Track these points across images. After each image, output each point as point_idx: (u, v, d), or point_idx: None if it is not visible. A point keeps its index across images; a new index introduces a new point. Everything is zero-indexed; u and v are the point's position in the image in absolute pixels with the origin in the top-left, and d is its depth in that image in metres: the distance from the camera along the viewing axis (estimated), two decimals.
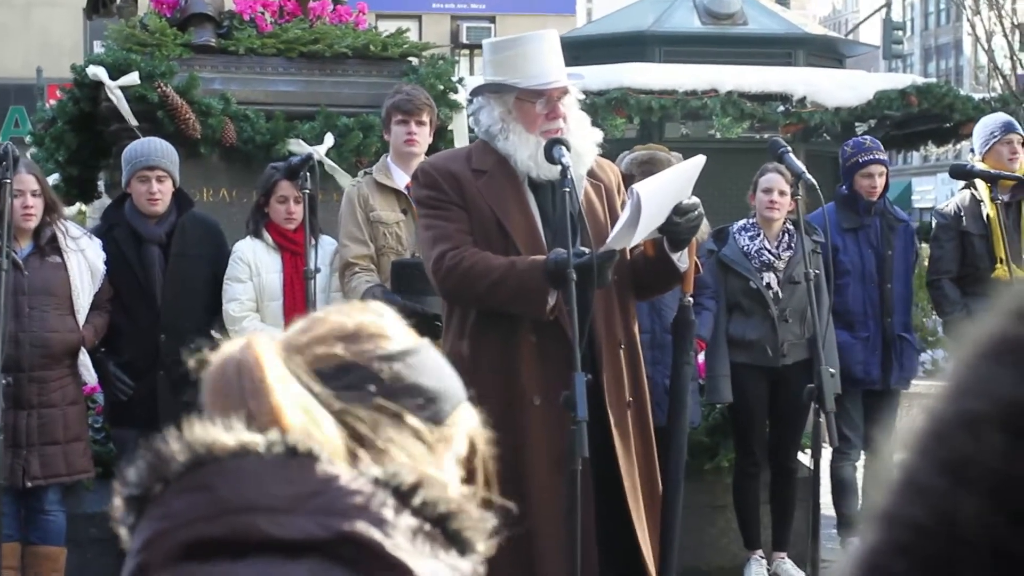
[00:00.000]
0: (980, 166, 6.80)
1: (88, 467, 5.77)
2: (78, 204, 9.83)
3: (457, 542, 1.27)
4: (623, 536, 4.29)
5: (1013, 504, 0.82)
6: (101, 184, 8.30)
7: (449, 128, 7.42)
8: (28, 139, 8.25)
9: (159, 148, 5.96)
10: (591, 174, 4.46)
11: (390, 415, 1.35)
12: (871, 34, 46.10)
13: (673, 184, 4.23)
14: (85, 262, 5.76)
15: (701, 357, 6.55)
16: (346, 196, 6.07)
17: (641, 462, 4.39)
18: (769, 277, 6.45)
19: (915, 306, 7.29)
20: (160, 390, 5.78)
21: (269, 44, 7.46)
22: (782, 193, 6.36)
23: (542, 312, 4.16)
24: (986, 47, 36.76)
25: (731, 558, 6.77)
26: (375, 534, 1.20)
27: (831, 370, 4.99)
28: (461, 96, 7.49)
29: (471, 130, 7.40)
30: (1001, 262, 6.62)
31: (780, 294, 6.44)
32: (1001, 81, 34.18)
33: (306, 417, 1.30)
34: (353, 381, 1.34)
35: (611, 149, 5.20)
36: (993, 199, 6.59)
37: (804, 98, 12.45)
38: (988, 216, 6.67)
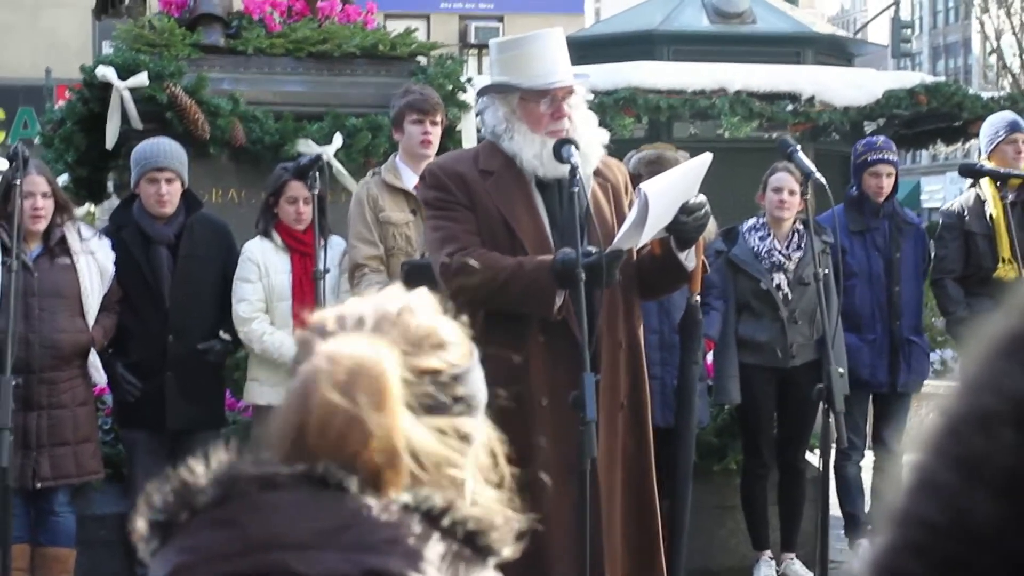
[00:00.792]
0: (989, 165, 6.79)
1: (98, 468, 5.77)
2: (87, 205, 9.84)
3: (485, 553, 1.27)
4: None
5: None
6: (110, 185, 8.31)
7: (457, 128, 7.42)
8: (37, 140, 8.26)
9: (168, 149, 5.96)
10: (598, 173, 4.45)
11: (456, 431, 1.35)
12: (880, 33, 46.06)
13: (680, 183, 4.22)
14: (94, 263, 5.76)
15: (709, 357, 6.54)
16: (355, 197, 6.07)
17: (632, 467, 4.35)
18: (779, 278, 6.44)
19: (924, 306, 7.27)
20: (168, 391, 5.78)
21: (278, 44, 7.47)
22: (792, 192, 6.35)
23: (550, 312, 4.16)
24: (995, 46, 36.75)
25: (740, 559, 6.77)
26: (405, 570, 1.19)
27: (840, 370, 4.97)
28: (469, 96, 7.49)
29: (479, 130, 7.42)
30: (1004, 261, 6.61)
31: (790, 295, 6.43)
32: (1010, 80, 34.15)
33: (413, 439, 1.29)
34: (438, 396, 1.34)
35: (619, 148, 5.18)
36: (1001, 198, 6.57)
37: (813, 97, 12.43)
38: (992, 216, 6.67)
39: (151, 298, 5.89)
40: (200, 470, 1.26)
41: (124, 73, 6.98)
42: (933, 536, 0.85)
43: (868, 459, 6.94)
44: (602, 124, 4.57)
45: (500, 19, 31.92)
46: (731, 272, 6.48)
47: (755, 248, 6.48)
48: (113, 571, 5.86)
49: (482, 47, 30.70)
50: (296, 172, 5.72)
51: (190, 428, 5.78)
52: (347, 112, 7.32)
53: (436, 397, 1.34)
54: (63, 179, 7.29)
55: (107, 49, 10.32)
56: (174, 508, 1.27)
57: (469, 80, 7.77)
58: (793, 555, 6.66)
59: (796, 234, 6.49)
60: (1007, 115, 7.18)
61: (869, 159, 6.70)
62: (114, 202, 8.05)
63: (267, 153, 7.16)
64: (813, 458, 6.69)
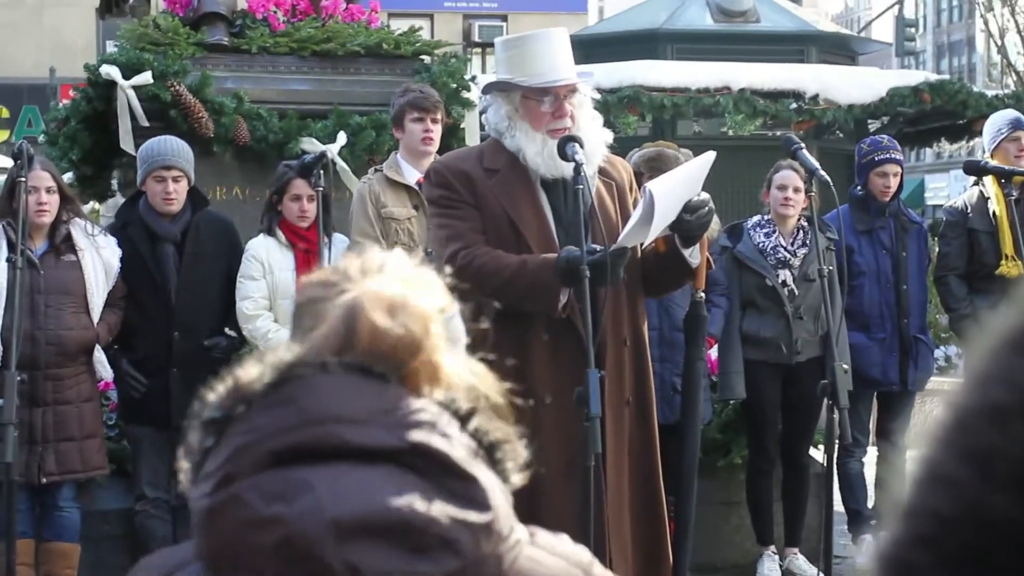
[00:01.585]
0: (993, 163, 6.79)
1: (103, 464, 5.79)
2: (92, 203, 9.86)
3: (499, 471, 1.38)
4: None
5: None
6: (114, 183, 8.32)
7: (461, 126, 7.43)
8: (41, 138, 8.27)
9: (175, 147, 5.97)
10: (603, 172, 4.45)
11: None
12: (883, 31, 46.01)
13: (685, 181, 4.23)
14: (100, 260, 5.77)
15: (712, 354, 6.55)
16: (357, 193, 6.08)
17: (638, 461, 4.36)
18: (784, 274, 6.45)
19: (928, 303, 7.28)
20: (173, 387, 5.79)
21: (282, 43, 7.48)
22: (796, 190, 6.36)
23: (554, 310, 4.17)
24: (999, 44, 36.70)
25: (744, 554, 6.78)
26: (444, 446, 1.31)
27: (844, 366, 4.98)
28: (473, 94, 7.50)
29: (482, 127, 7.43)
30: (1007, 258, 6.61)
31: (796, 291, 6.43)
32: (1014, 77, 34.11)
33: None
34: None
35: (623, 147, 5.19)
36: (1005, 195, 6.58)
37: (817, 95, 12.43)
38: (995, 213, 6.67)
39: (157, 295, 5.90)
40: (252, 369, 1.37)
41: (128, 72, 6.98)
42: (943, 528, 0.85)
43: (871, 455, 6.95)
44: (606, 123, 4.58)
45: (504, 18, 31.91)
46: (736, 268, 6.49)
47: (760, 245, 6.49)
48: (118, 566, 5.87)
49: (486, 46, 30.69)
50: (300, 170, 5.73)
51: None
52: (351, 110, 7.33)
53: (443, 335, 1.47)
54: (67, 177, 7.29)
55: (111, 48, 10.32)
56: (230, 403, 1.36)
57: (473, 79, 7.78)
58: (797, 550, 6.67)
59: (801, 231, 6.50)
60: (1009, 113, 7.18)
61: (876, 159, 6.70)
62: (118, 200, 8.06)
63: (271, 151, 7.17)
64: (817, 454, 6.70)
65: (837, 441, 5.21)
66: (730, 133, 12.42)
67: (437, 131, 5.99)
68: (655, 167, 6.05)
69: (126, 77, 6.96)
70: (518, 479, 1.41)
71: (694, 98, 12.10)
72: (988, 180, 6.74)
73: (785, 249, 6.47)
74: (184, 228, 5.96)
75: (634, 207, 4.42)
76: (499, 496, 1.34)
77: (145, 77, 6.95)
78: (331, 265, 1.50)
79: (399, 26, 8.24)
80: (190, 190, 5.99)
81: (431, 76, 7.32)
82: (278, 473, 1.30)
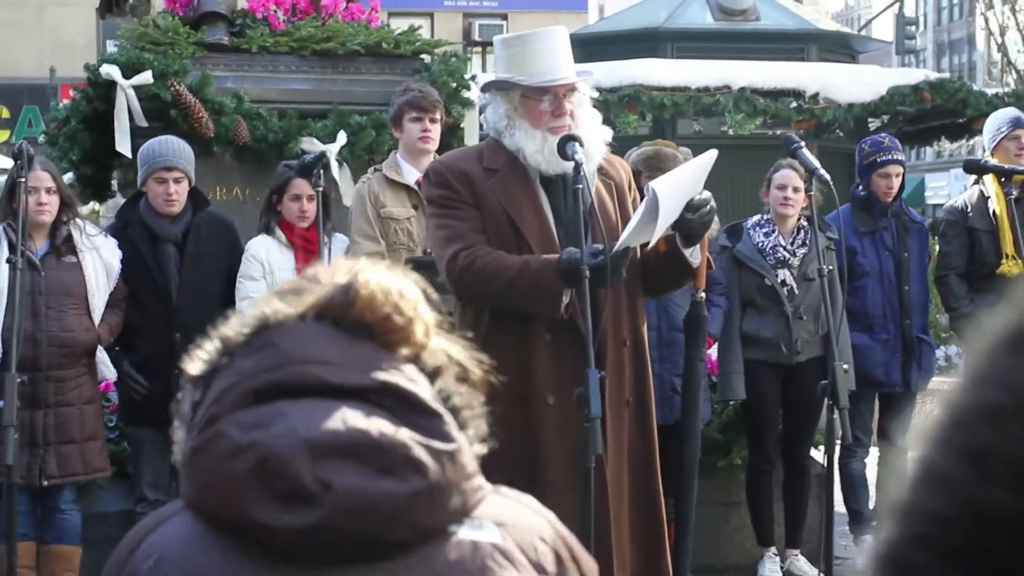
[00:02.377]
0: (993, 161, 6.78)
1: (104, 466, 5.78)
2: (92, 203, 9.86)
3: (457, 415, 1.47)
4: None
5: None
6: (115, 183, 8.31)
7: (461, 125, 7.42)
8: (42, 139, 8.27)
9: (176, 148, 5.97)
10: (602, 171, 4.45)
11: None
12: (884, 30, 46.03)
13: (686, 180, 4.22)
14: (100, 261, 5.77)
15: (712, 354, 6.54)
16: (356, 193, 6.08)
17: (637, 462, 4.36)
18: (784, 274, 6.45)
19: (928, 303, 7.27)
20: (175, 388, 5.77)
21: (282, 42, 7.48)
22: (796, 189, 6.35)
23: (556, 311, 4.16)
24: (999, 42, 36.71)
25: (745, 555, 6.77)
26: (412, 387, 1.42)
27: (844, 366, 4.97)
28: (473, 93, 7.49)
29: (481, 127, 7.43)
30: (1007, 258, 6.61)
31: (795, 290, 6.43)
32: (1015, 76, 34.11)
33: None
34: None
35: (623, 146, 5.19)
36: (1005, 194, 6.57)
37: (817, 94, 12.42)
38: (995, 212, 6.66)
39: (158, 296, 5.90)
40: (234, 323, 1.49)
41: (128, 71, 6.98)
42: (940, 526, 0.85)
43: (873, 455, 6.95)
44: (606, 121, 4.57)
45: (504, 17, 31.91)
46: (736, 268, 6.49)
47: (760, 244, 6.48)
48: None
49: (486, 45, 30.69)
50: (300, 169, 5.73)
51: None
52: (351, 110, 7.33)
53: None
54: (68, 177, 7.29)
55: (111, 48, 10.32)
56: (216, 357, 1.49)
57: (473, 78, 7.77)
58: (798, 551, 6.66)
59: (801, 230, 6.49)
60: (1010, 112, 7.17)
61: (878, 160, 6.68)
62: (119, 200, 8.05)
63: (271, 151, 7.16)
64: (818, 455, 6.69)
65: (838, 441, 5.20)
66: (730, 132, 12.42)
67: (436, 131, 5.99)
68: (653, 166, 6.05)
69: (126, 77, 6.96)
70: (480, 448, 1.48)
71: (694, 97, 12.09)
72: (988, 179, 6.73)
73: (785, 248, 6.47)
74: (185, 228, 5.96)
75: (633, 206, 4.41)
76: (463, 436, 1.43)
77: (145, 77, 6.94)
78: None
79: (399, 25, 8.23)
80: (191, 190, 6.00)
81: (431, 75, 7.32)
82: (257, 408, 1.40)
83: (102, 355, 5.81)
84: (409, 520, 1.39)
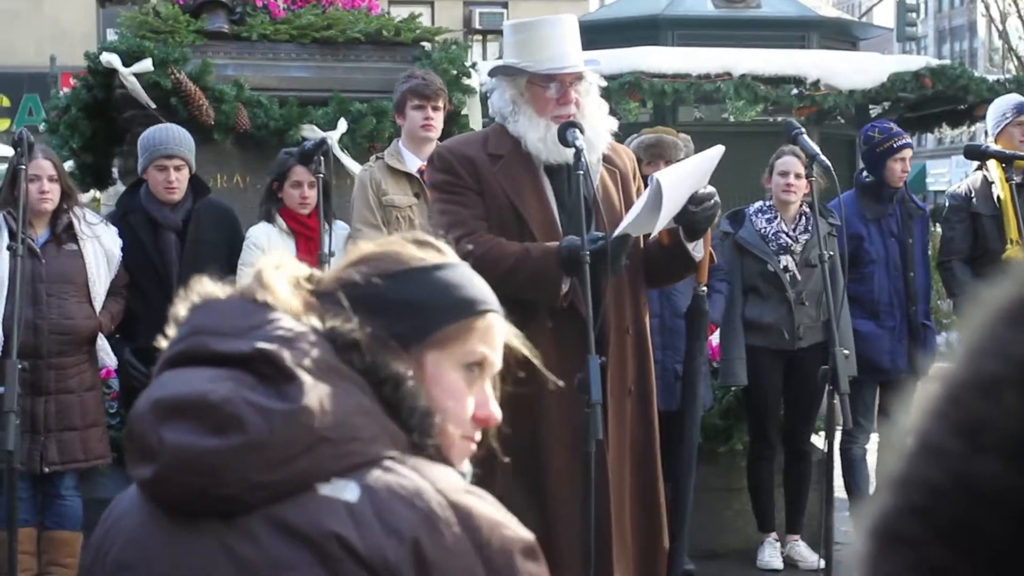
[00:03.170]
0: (994, 147, 6.77)
1: (105, 452, 5.80)
2: (92, 191, 9.85)
3: (399, 412, 1.56)
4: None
5: None
6: (115, 171, 8.31)
7: (463, 113, 7.41)
8: (42, 127, 8.26)
9: (177, 136, 5.97)
10: (607, 159, 4.44)
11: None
12: (885, 16, 45.95)
13: (692, 174, 4.22)
14: (101, 249, 5.78)
15: (714, 339, 6.55)
16: (358, 180, 6.07)
17: (639, 449, 4.37)
18: (786, 260, 6.44)
19: (931, 289, 7.27)
20: None
21: (282, 30, 7.46)
22: (798, 176, 6.35)
23: (556, 299, 4.16)
24: (1000, 28, 36.65)
25: (745, 540, 6.78)
26: (282, 353, 1.51)
27: (845, 352, 4.98)
28: (474, 81, 7.48)
29: (484, 115, 7.41)
30: (1012, 243, 6.59)
31: (798, 276, 6.43)
32: (1016, 62, 34.05)
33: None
34: (333, 295, 1.64)
35: (624, 133, 5.18)
36: (1007, 180, 6.56)
37: (818, 81, 12.39)
38: (999, 197, 6.65)
39: (159, 283, 5.90)
40: (181, 303, 1.66)
41: (129, 60, 6.97)
42: (936, 498, 0.85)
43: (874, 441, 6.95)
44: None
45: (504, 5, 31.85)
46: (738, 254, 6.49)
47: (762, 230, 6.48)
48: None
49: (487, 33, 30.66)
50: (300, 156, 5.72)
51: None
52: (351, 97, 7.32)
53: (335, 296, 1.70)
54: (68, 165, 7.29)
55: (112, 36, 10.30)
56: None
57: (474, 65, 7.76)
58: (798, 537, 6.68)
59: (803, 217, 6.49)
60: (1014, 97, 7.15)
61: (894, 145, 6.65)
62: (119, 188, 8.05)
63: (272, 139, 7.15)
64: (819, 440, 6.70)
65: (839, 427, 5.20)
66: (731, 119, 12.39)
67: (438, 118, 5.98)
68: (655, 153, 6.05)
69: (126, 65, 6.95)
70: (432, 440, 1.59)
71: (695, 84, 12.06)
72: (992, 164, 6.72)
73: (787, 235, 6.47)
74: (185, 216, 5.96)
75: (637, 195, 4.41)
76: (331, 402, 1.50)
77: (145, 65, 6.93)
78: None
79: (399, 13, 8.22)
80: (191, 178, 6.00)
81: (431, 63, 7.30)
82: (163, 374, 1.59)
83: (102, 342, 5.82)
84: (234, 475, 1.47)
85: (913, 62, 13.31)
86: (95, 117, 7.41)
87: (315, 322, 1.58)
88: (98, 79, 7.19)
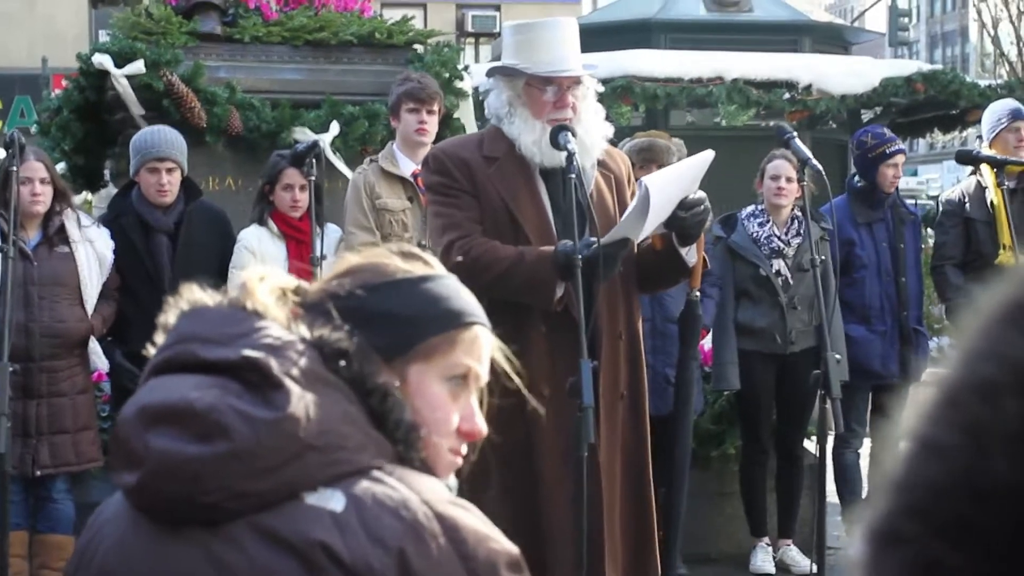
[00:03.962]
0: (986, 152, 6.77)
1: (97, 456, 5.78)
2: (84, 193, 9.84)
3: (386, 423, 1.56)
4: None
5: None
6: (107, 173, 8.30)
7: (455, 116, 7.41)
8: (34, 129, 8.24)
9: (169, 138, 5.96)
10: (601, 164, 4.44)
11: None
12: (877, 21, 46.01)
13: (682, 178, 4.21)
14: (93, 252, 5.77)
15: (706, 344, 6.54)
16: (352, 184, 6.07)
17: (631, 454, 4.36)
18: (778, 264, 6.45)
19: (923, 294, 7.27)
20: None
21: (274, 32, 7.45)
22: (790, 179, 6.36)
23: (550, 303, 4.15)
24: (992, 34, 36.74)
25: (737, 545, 6.78)
26: (269, 361, 1.51)
27: (837, 356, 4.98)
28: (466, 84, 7.48)
29: (478, 118, 7.41)
30: (1005, 248, 6.59)
31: (790, 281, 6.43)
32: (1007, 67, 34.14)
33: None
34: (320, 306, 1.65)
35: (616, 137, 5.18)
36: (999, 185, 6.56)
37: (810, 85, 12.42)
38: (992, 203, 6.65)
39: (151, 286, 5.88)
40: (171, 310, 1.67)
41: (120, 61, 6.96)
42: (933, 499, 0.85)
43: (867, 447, 6.95)
44: None
45: (497, 8, 31.86)
46: (730, 258, 6.49)
47: (754, 234, 6.48)
48: None
49: (479, 35, 30.67)
50: (292, 159, 5.71)
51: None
52: (344, 100, 7.31)
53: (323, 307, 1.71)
54: (60, 167, 7.28)
55: (104, 37, 10.30)
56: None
57: (466, 68, 7.76)
58: (790, 542, 6.68)
59: (795, 221, 6.50)
60: (1009, 103, 7.14)
61: (887, 151, 6.65)
62: (111, 190, 8.04)
63: (264, 141, 7.14)
64: (811, 445, 6.70)
65: (831, 432, 5.20)
66: (723, 123, 12.41)
67: (433, 122, 5.97)
68: (647, 157, 6.05)
69: (118, 66, 6.93)
70: (412, 449, 1.59)
71: (687, 88, 12.08)
72: (986, 169, 6.71)
73: (779, 239, 6.47)
74: (177, 219, 5.95)
75: (631, 199, 4.41)
76: (318, 411, 1.50)
77: (137, 66, 6.92)
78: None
79: (392, 15, 8.21)
80: (183, 180, 5.99)
81: (424, 65, 7.29)
82: (149, 381, 1.59)
83: (94, 345, 5.81)
84: (218, 483, 1.48)
85: (905, 67, 13.35)
86: (87, 119, 7.39)
87: (303, 331, 1.58)
88: (90, 81, 7.18)
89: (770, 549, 6.65)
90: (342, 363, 1.56)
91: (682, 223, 4.18)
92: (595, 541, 4.06)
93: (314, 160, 5.56)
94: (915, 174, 40.91)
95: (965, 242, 6.78)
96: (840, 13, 61.20)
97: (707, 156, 4.27)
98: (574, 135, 4.16)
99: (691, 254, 4.31)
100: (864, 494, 6.83)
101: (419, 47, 7.72)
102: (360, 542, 1.47)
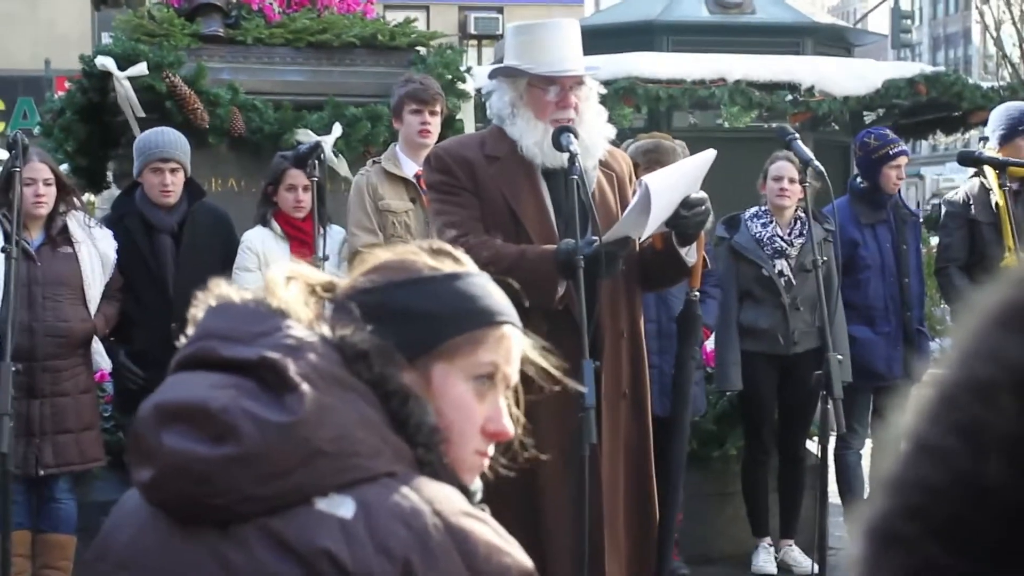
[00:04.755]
0: (988, 153, 6.74)
1: (100, 455, 5.79)
2: (87, 194, 9.85)
3: (406, 426, 1.54)
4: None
5: None
6: (110, 174, 8.31)
7: (458, 117, 7.41)
8: (37, 130, 8.25)
9: (172, 139, 5.97)
10: (604, 164, 4.45)
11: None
12: (879, 23, 46.01)
13: (683, 178, 4.22)
14: (96, 252, 5.77)
15: (709, 345, 6.55)
16: (355, 185, 6.07)
17: (633, 454, 4.37)
18: (781, 265, 6.45)
19: (925, 295, 7.26)
20: None
21: (277, 34, 7.46)
22: (792, 181, 6.36)
23: (551, 302, 4.16)
24: (995, 36, 36.73)
25: (739, 545, 6.78)
26: (286, 362, 1.49)
27: (839, 357, 4.98)
28: (469, 86, 7.49)
29: (479, 120, 7.41)
30: (1010, 250, 6.56)
31: (792, 281, 6.43)
32: (1010, 69, 34.12)
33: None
34: (346, 304, 1.63)
35: (619, 138, 5.19)
36: (1002, 187, 6.53)
37: (812, 87, 12.41)
38: (997, 204, 6.63)
39: (154, 286, 5.90)
40: (200, 304, 1.65)
41: (123, 63, 6.97)
42: (930, 499, 0.85)
43: (868, 447, 6.95)
44: None
45: (500, 10, 31.89)
46: (733, 259, 6.49)
47: (757, 235, 6.49)
48: None
49: (482, 37, 30.68)
50: (295, 160, 5.72)
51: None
52: (346, 102, 7.31)
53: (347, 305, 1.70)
54: (63, 168, 7.28)
55: (106, 39, 10.30)
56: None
57: (468, 70, 7.76)
58: (792, 542, 6.68)
59: (798, 221, 6.50)
60: (1022, 106, 6.98)
61: (891, 152, 6.64)
62: (114, 191, 8.04)
63: (266, 143, 7.15)
64: (813, 445, 6.70)
65: (833, 432, 5.21)
66: (726, 125, 12.40)
67: (436, 124, 5.98)
68: (653, 159, 6.04)
69: (121, 68, 6.94)
70: (432, 455, 1.56)
71: (690, 90, 12.07)
72: (990, 171, 6.67)
73: (782, 239, 6.47)
74: (181, 219, 5.96)
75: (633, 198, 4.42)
76: (332, 415, 1.48)
77: (140, 68, 6.93)
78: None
79: (394, 17, 8.23)
80: (187, 181, 6.00)
81: (426, 67, 7.30)
82: (171, 377, 1.59)
83: (97, 345, 5.81)
84: (227, 486, 1.47)
85: (908, 69, 13.34)
86: (90, 120, 7.40)
87: (325, 331, 1.57)
88: (93, 82, 7.19)
89: (772, 549, 6.65)
90: (363, 364, 1.55)
91: (683, 222, 4.19)
92: (595, 541, 4.07)
93: (317, 161, 5.57)
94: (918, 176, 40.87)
95: (969, 244, 6.75)
96: (843, 15, 61.16)
97: (708, 155, 4.28)
98: (576, 136, 4.17)
99: (691, 254, 4.31)
100: (866, 495, 6.83)
101: (421, 49, 7.72)
102: (366, 551, 1.46)
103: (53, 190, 5.68)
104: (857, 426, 6.62)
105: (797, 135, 5.30)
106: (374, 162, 6.09)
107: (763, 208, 6.57)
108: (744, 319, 6.47)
